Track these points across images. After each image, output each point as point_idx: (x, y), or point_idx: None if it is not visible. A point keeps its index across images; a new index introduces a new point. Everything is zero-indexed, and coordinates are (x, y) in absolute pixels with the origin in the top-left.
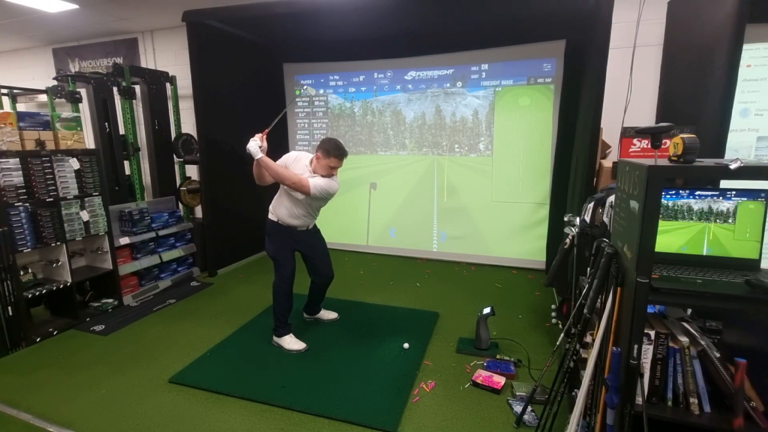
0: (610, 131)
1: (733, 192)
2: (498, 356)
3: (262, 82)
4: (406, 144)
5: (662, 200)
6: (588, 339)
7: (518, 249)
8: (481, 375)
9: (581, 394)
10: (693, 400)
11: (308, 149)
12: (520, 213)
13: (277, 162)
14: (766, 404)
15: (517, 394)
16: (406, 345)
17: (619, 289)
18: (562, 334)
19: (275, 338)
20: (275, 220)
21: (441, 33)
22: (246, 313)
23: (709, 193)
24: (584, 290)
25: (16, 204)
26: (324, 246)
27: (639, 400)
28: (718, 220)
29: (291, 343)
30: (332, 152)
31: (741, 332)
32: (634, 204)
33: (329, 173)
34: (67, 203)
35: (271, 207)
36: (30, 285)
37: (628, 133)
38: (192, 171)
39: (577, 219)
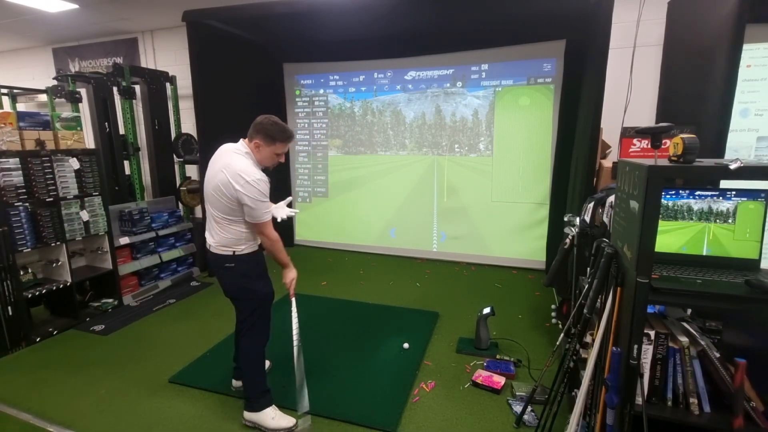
0: (610, 131)
1: (733, 192)
2: (498, 356)
3: (262, 82)
4: (406, 144)
5: (662, 200)
6: (588, 339)
7: (518, 249)
8: (481, 375)
9: (581, 394)
10: (693, 400)
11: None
12: (520, 213)
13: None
14: (766, 404)
15: (517, 394)
16: (406, 345)
17: (619, 289)
18: (562, 334)
19: (249, 414)
20: (254, 249)
21: (441, 33)
22: None
23: (709, 193)
24: (584, 290)
25: (16, 204)
26: None
27: (639, 400)
28: (718, 220)
29: (277, 418)
30: (278, 137)
31: (741, 332)
32: (634, 204)
33: (275, 162)
34: (67, 203)
35: (234, 238)
36: (30, 285)
37: (628, 133)
38: (192, 171)
39: (577, 219)
